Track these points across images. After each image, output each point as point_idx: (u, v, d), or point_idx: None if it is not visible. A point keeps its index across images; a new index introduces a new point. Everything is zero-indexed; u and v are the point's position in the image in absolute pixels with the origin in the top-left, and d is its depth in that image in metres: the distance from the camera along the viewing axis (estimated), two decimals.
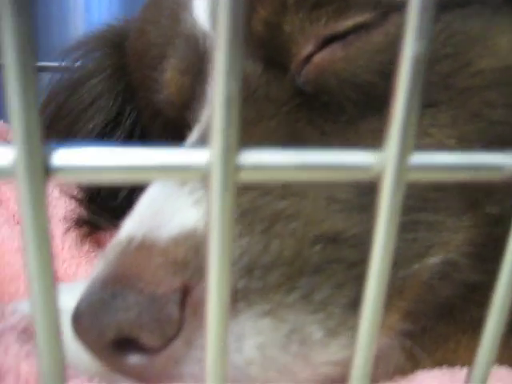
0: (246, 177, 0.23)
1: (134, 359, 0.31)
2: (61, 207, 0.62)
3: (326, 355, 0.32)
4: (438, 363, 0.36)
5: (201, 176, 0.23)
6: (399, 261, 0.33)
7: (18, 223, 0.60)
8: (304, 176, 0.24)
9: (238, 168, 0.23)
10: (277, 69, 0.40)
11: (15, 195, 0.21)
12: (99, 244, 0.61)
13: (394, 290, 0.33)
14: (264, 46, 0.40)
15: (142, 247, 0.33)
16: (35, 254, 0.22)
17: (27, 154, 0.21)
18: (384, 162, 0.24)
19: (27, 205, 0.21)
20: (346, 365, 0.33)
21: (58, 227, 0.59)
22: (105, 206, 0.64)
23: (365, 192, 0.35)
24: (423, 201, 0.34)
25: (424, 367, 0.36)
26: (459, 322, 0.38)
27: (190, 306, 0.31)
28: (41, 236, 0.22)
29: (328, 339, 0.32)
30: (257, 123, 0.38)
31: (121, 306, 0.30)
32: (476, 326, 0.24)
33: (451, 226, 0.36)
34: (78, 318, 0.31)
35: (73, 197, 0.64)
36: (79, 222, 0.60)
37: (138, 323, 0.30)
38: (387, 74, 0.37)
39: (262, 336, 0.31)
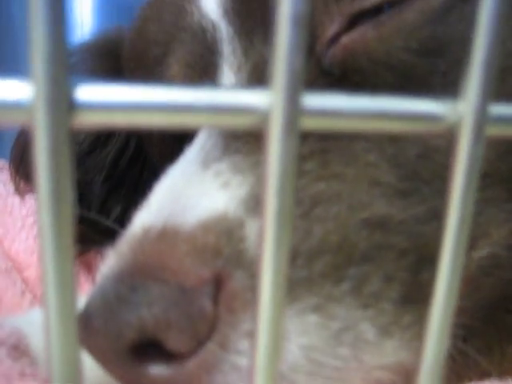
0: (309, 124, 0.19)
1: (157, 369, 0.26)
2: None
3: (380, 358, 0.27)
4: (495, 367, 0.32)
5: (258, 120, 0.18)
6: None
7: None
8: (371, 124, 0.20)
9: (302, 112, 0.19)
10: None
11: None
12: (89, 267, 0.56)
13: None
14: None
15: (164, 235, 0.28)
16: (53, 219, 0.17)
17: (50, 86, 0.16)
18: (461, 112, 0.21)
19: (47, 148, 0.17)
20: (398, 370, 0.28)
21: None
22: (95, 226, 0.58)
23: (406, 176, 0.31)
24: None
25: (481, 370, 0.31)
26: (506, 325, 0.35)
27: (223, 302, 0.26)
28: (63, 189, 0.17)
29: (381, 339, 0.27)
30: None
31: (143, 300, 0.25)
32: None
33: (493, 217, 0.32)
34: (87, 319, 0.25)
35: None
36: None
37: (164, 320, 0.25)
38: (425, 52, 0.34)
39: (308, 336, 0.26)
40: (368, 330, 0.27)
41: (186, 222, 0.28)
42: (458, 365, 0.30)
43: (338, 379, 0.27)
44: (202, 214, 0.28)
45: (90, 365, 0.26)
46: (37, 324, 0.37)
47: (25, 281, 0.51)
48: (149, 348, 0.26)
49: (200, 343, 0.26)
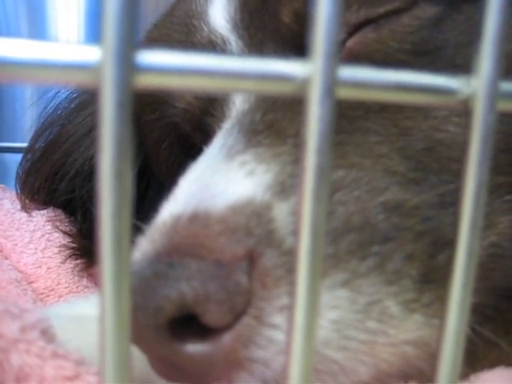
0: (343, 93, 0.21)
1: (194, 347, 0.27)
2: (55, 241, 0.57)
3: (404, 333, 0.28)
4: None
5: (297, 88, 0.20)
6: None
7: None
8: (395, 96, 0.22)
9: (338, 81, 0.21)
10: None
11: None
12: (97, 279, 0.57)
13: None
14: (294, 37, 0.40)
15: (195, 219, 0.29)
16: (114, 172, 0.19)
17: (116, 51, 0.18)
18: (475, 86, 0.23)
19: (112, 108, 0.18)
20: (422, 346, 0.30)
21: (54, 260, 0.55)
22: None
23: (416, 167, 0.33)
24: None
25: (501, 353, 0.33)
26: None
27: (257, 278, 0.27)
28: (124, 142, 0.19)
29: (404, 315, 0.28)
30: (293, 115, 0.36)
31: (181, 275, 0.26)
32: None
33: (497, 208, 0.34)
34: None
35: (66, 232, 0.59)
36: (76, 255, 0.55)
37: (203, 293, 0.26)
38: (419, 53, 0.37)
39: (338, 310, 0.28)
40: (392, 306, 0.28)
41: (216, 206, 0.29)
42: (478, 348, 0.31)
43: (368, 353, 0.28)
44: (230, 198, 0.29)
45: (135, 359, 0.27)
46: (63, 317, 0.37)
47: (34, 292, 0.52)
48: (186, 327, 0.27)
49: (236, 317, 0.27)
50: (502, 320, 0.35)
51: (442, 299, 0.27)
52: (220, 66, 0.20)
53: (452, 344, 0.25)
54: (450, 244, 0.24)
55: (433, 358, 0.24)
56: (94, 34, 1.15)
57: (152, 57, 0.19)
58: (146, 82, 0.19)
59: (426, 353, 0.29)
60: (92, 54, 0.18)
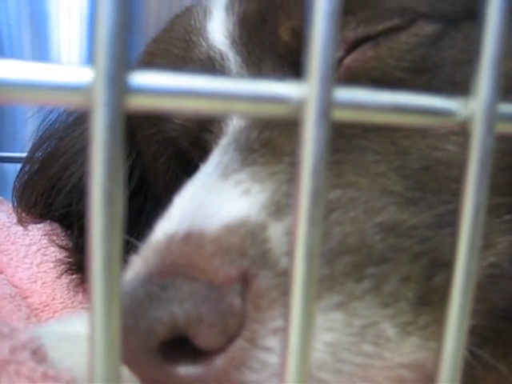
0: (339, 115, 0.21)
1: (186, 370, 0.26)
2: (51, 256, 0.57)
3: (400, 356, 0.28)
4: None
5: (293, 110, 0.20)
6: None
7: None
8: (392, 118, 0.22)
9: (334, 103, 0.20)
10: None
11: None
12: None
13: None
14: (292, 54, 0.40)
15: (189, 238, 0.28)
16: (104, 190, 0.18)
17: (107, 72, 0.18)
18: (472, 108, 0.23)
19: (103, 131, 0.18)
20: (418, 369, 0.29)
21: (49, 275, 0.54)
22: None
23: (413, 187, 0.33)
24: None
25: (499, 376, 0.32)
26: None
27: (251, 300, 0.27)
28: (116, 164, 0.18)
29: (401, 338, 0.28)
30: (290, 133, 0.36)
31: (174, 297, 0.26)
32: None
33: (496, 228, 0.34)
34: None
35: (62, 246, 0.59)
36: (72, 269, 0.55)
37: (195, 315, 0.26)
38: (417, 71, 0.37)
39: (333, 333, 0.27)
40: (388, 328, 0.28)
41: (210, 226, 0.29)
42: (476, 371, 0.31)
43: (363, 377, 0.28)
44: (225, 218, 0.29)
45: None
46: (55, 336, 0.37)
47: (29, 307, 0.52)
48: (177, 349, 0.27)
49: (229, 339, 0.26)
50: (500, 342, 0.35)
51: (438, 321, 0.27)
52: (214, 87, 0.19)
53: (449, 367, 0.24)
54: (447, 265, 0.24)
55: (429, 380, 0.23)
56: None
57: (144, 78, 0.19)
58: (138, 103, 0.19)
59: (422, 375, 0.29)
60: (84, 76, 0.18)
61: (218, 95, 0.19)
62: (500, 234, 0.34)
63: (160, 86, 0.19)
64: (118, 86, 0.18)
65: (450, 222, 0.31)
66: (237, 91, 0.20)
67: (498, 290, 0.34)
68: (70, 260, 0.57)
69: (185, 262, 0.27)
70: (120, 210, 0.19)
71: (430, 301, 0.29)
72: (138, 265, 0.29)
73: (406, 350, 0.28)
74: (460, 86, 0.36)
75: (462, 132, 0.23)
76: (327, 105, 0.20)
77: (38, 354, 0.30)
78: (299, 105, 0.20)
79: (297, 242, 0.20)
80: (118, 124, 0.18)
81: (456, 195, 0.22)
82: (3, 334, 0.28)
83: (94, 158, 0.18)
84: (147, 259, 0.29)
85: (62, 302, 0.53)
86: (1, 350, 0.27)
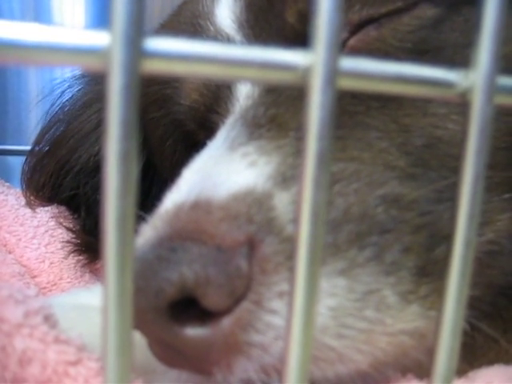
0: (345, 83, 0.22)
1: (193, 331, 0.27)
2: (58, 237, 0.58)
3: (401, 323, 0.29)
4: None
5: (299, 76, 0.21)
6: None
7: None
8: (395, 87, 0.23)
9: (339, 71, 0.21)
10: None
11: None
12: (100, 274, 0.57)
13: None
14: (298, 36, 0.40)
15: (197, 206, 0.29)
16: (119, 157, 0.19)
17: (124, 36, 0.19)
18: (472, 79, 0.23)
19: (119, 92, 0.19)
20: (418, 337, 0.30)
21: (57, 255, 0.55)
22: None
23: (415, 163, 0.34)
24: None
25: (499, 349, 0.33)
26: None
27: (257, 263, 0.28)
28: (131, 126, 0.19)
29: (402, 305, 0.29)
30: (296, 110, 0.37)
31: (183, 259, 0.27)
32: None
33: (495, 206, 0.34)
34: None
35: (69, 228, 0.60)
36: (79, 250, 0.56)
37: (203, 276, 0.26)
38: (419, 52, 0.38)
39: (336, 298, 0.28)
40: (390, 296, 0.29)
41: (218, 194, 0.30)
42: (476, 344, 0.32)
43: (365, 342, 0.29)
44: (232, 187, 0.30)
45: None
46: (65, 307, 0.38)
47: (37, 286, 0.53)
48: (186, 311, 0.27)
49: (236, 301, 0.27)
50: (500, 318, 0.36)
51: (439, 292, 0.28)
52: (224, 53, 0.20)
53: (449, 336, 0.25)
54: (447, 238, 0.25)
55: (430, 351, 0.24)
56: (97, 21, 1.17)
57: (159, 43, 0.19)
58: (152, 67, 0.19)
59: (423, 345, 0.30)
60: (101, 39, 0.19)
61: (228, 61, 0.20)
62: (499, 212, 0.35)
63: (174, 51, 0.20)
64: (135, 50, 0.19)
65: (450, 197, 0.32)
66: (246, 58, 0.20)
67: (496, 267, 0.35)
68: (76, 241, 0.58)
69: (193, 228, 0.28)
70: (134, 170, 0.20)
71: (430, 272, 0.30)
72: (148, 232, 0.30)
73: (407, 318, 0.29)
74: (460, 68, 0.37)
75: (462, 103, 0.24)
76: (333, 72, 0.21)
77: (50, 320, 0.31)
78: (306, 72, 0.21)
79: (303, 206, 0.21)
80: (133, 86, 0.19)
81: (456, 172, 0.23)
82: (17, 300, 0.29)
83: (110, 119, 0.19)
84: (156, 227, 0.30)
85: (69, 282, 0.54)
86: (15, 314, 0.28)
